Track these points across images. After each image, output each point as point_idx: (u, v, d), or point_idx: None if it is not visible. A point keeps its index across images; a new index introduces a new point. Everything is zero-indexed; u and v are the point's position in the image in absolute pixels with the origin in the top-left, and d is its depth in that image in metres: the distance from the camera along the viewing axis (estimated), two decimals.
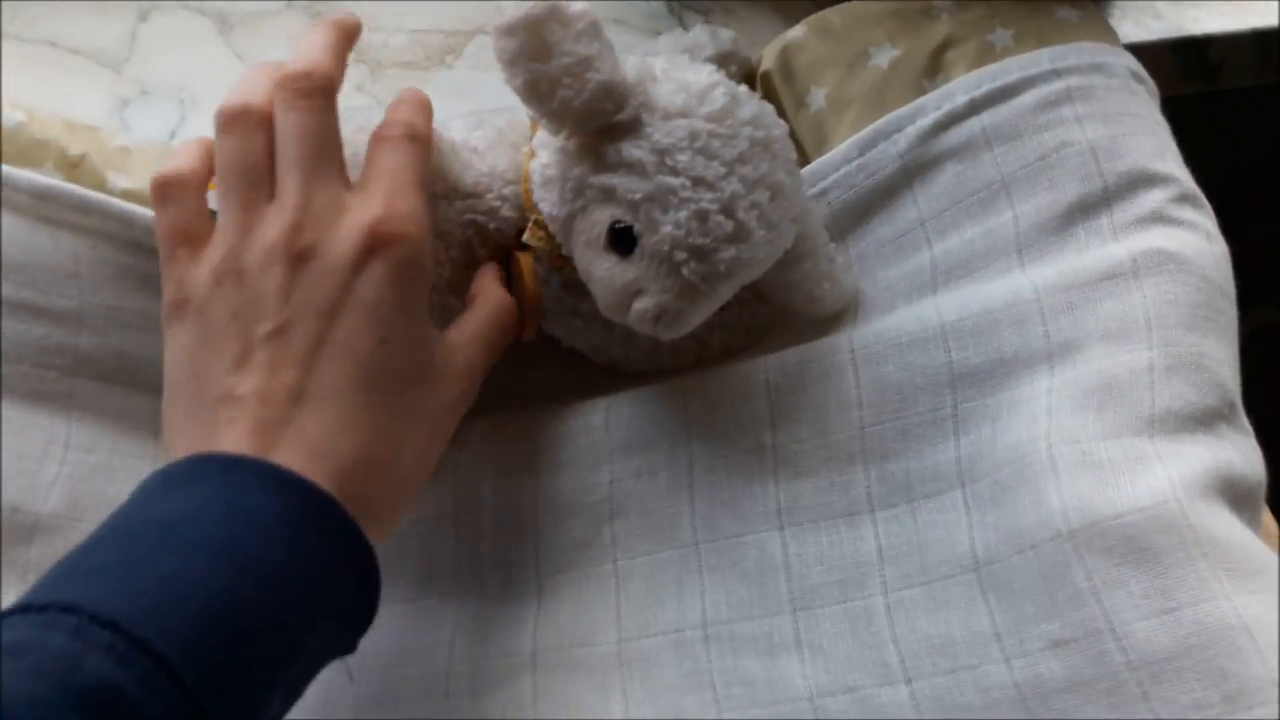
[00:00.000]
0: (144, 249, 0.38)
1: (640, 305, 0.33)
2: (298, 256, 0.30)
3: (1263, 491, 0.32)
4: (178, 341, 0.31)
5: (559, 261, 0.37)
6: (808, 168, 0.39)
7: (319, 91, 0.32)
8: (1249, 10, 0.49)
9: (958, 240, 0.37)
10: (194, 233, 0.31)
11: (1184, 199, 0.35)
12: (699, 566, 0.35)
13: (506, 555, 0.37)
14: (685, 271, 0.33)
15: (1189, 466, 0.30)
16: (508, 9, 0.32)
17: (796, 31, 0.42)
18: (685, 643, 0.33)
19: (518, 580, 0.36)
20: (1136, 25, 0.49)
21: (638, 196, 0.33)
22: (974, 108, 0.37)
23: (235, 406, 0.29)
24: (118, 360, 0.38)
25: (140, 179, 0.39)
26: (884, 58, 0.40)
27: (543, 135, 0.36)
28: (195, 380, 0.30)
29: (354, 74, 0.48)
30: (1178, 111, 0.56)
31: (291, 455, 0.28)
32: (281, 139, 0.31)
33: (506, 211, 0.37)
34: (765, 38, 0.45)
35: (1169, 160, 0.36)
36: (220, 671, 0.24)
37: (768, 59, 0.42)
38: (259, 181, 0.31)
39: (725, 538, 0.35)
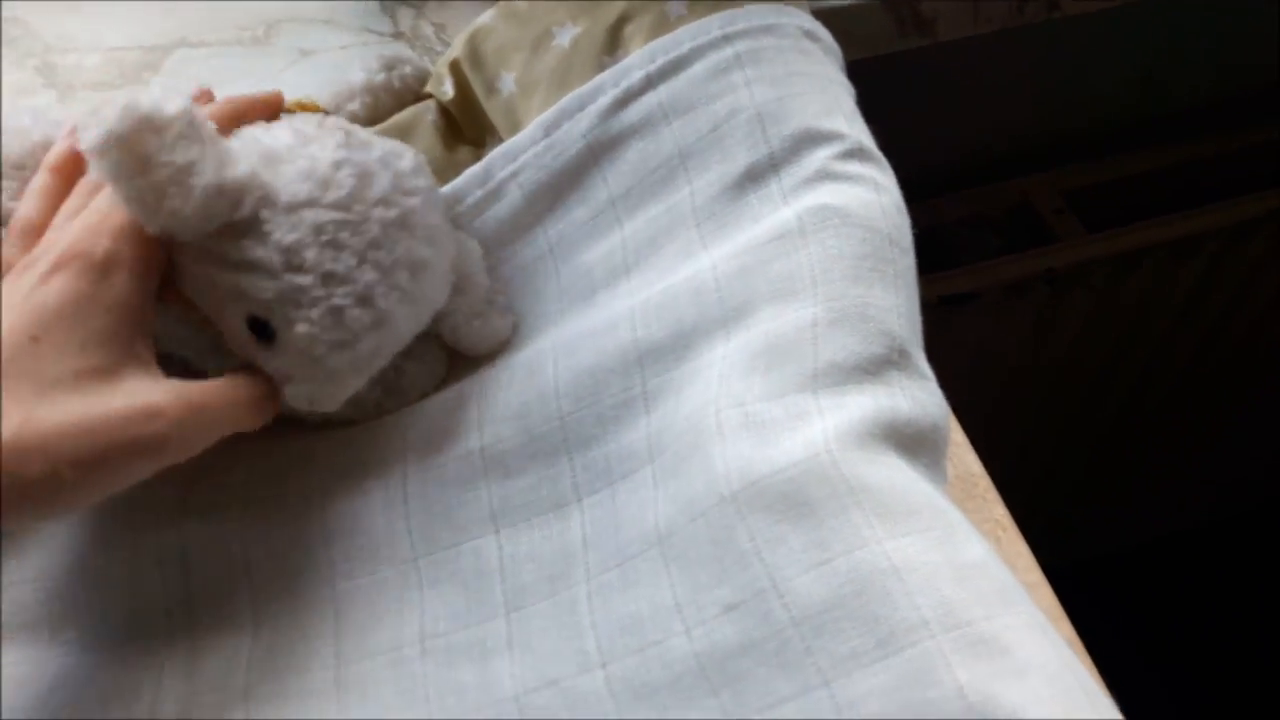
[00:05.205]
0: None
1: (291, 391, 0.33)
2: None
3: (942, 434, 0.32)
4: None
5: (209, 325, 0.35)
6: (499, 149, 0.39)
7: None
8: None
9: (644, 218, 0.36)
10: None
11: (850, 154, 0.35)
12: (419, 581, 0.34)
13: (218, 588, 0.35)
14: (329, 363, 0.32)
15: (847, 416, 0.30)
16: (95, 120, 0.29)
17: (485, 17, 0.41)
18: (403, 660, 0.32)
19: (231, 614, 0.35)
20: None
21: (269, 296, 0.31)
22: (650, 82, 0.37)
23: None
24: None
25: None
26: (566, 37, 0.39)
27: None
28: None
29: (43, 99, 0.46)
30: (900, 68, 0.57)
31: None
32: None
33: None
34: None
35: (836, 117, 0.36)
36: None
37: (457, 47, 0.41)
38: None
39: (443, 549, 0.34)
